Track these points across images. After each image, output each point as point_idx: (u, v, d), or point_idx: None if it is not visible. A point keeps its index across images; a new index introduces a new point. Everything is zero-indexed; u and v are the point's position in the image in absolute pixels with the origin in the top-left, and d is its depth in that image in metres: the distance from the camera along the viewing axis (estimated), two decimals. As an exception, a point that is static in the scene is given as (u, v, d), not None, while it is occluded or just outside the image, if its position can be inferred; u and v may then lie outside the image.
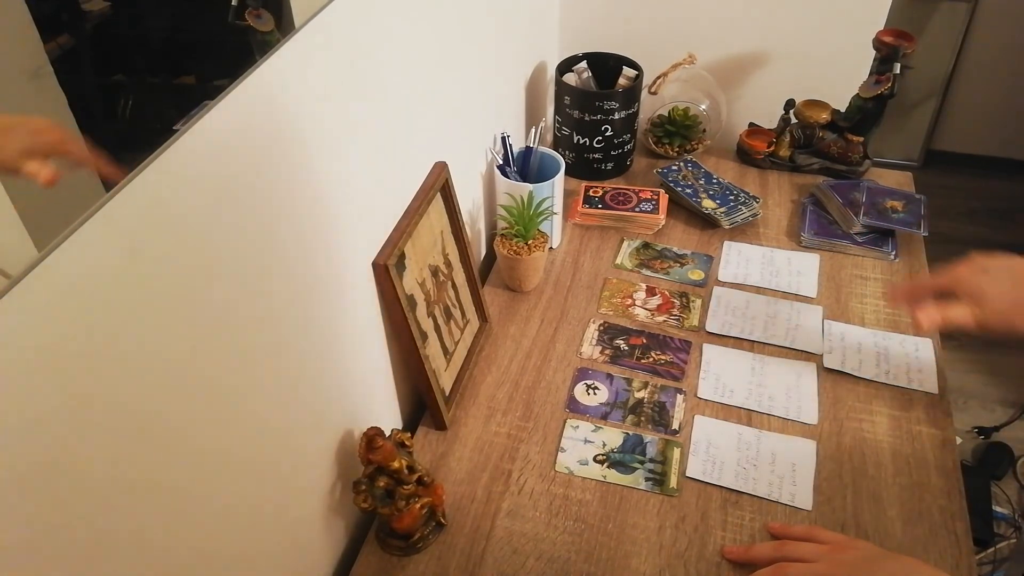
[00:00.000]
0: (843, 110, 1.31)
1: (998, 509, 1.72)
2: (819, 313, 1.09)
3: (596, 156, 1.32)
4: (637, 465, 0.91)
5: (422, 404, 0.97)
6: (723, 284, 1.15)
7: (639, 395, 0.99)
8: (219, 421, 0.58)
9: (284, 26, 0.59)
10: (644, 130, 1.41)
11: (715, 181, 1.29)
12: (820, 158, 1.34)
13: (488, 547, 0.83)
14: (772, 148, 1.35)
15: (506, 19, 1.14)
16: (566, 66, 1.31)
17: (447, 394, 0.96)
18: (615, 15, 1.39)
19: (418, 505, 0.80)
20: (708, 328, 1.07)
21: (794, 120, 1.33)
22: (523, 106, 1.31)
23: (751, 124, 1.41)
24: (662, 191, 1.27)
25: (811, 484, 0.88)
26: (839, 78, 1.32)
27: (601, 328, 1.08)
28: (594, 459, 0.91)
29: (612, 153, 1.32)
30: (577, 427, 0.95)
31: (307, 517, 0.76)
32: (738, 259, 1.19)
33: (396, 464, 0.78)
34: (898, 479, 0.88)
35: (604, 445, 0.93)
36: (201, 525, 0.57)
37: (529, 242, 1.09)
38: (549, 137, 1.43)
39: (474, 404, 0.98)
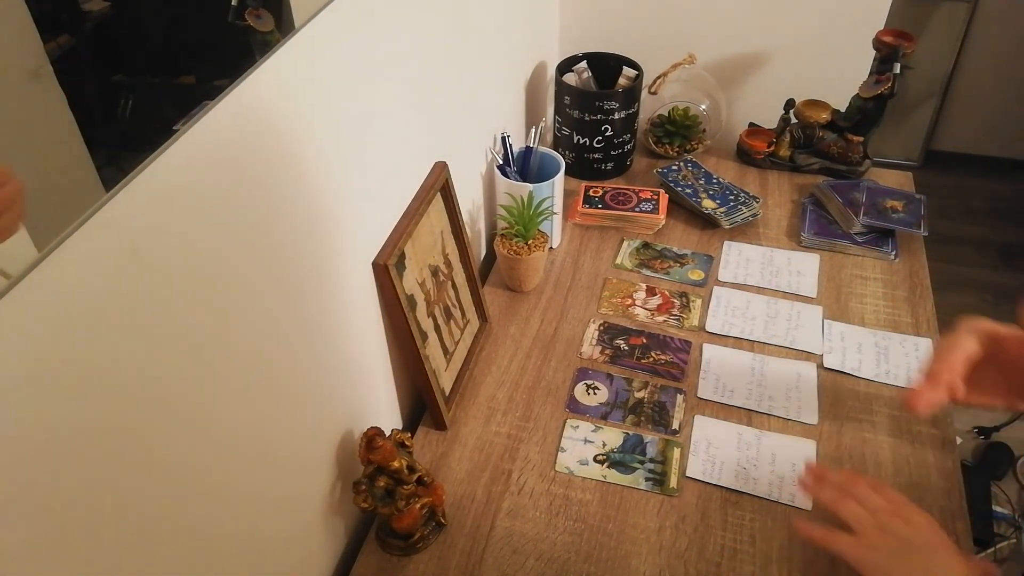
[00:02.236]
0: (843, 110, 1.31)
1: (998, 509, 1.72)
2: (819, 313, 1.09)
3: (596, 156, 1.32)
4: (637, 465, 0.91)
5: (422, 404, 0.97)
6: (723, 284, 1.15)
7: (639, 395, 0.99)
8: (218, 421, 0.58)
9: (284, 26, 0.59)
10: (644, 130, 1.41)
11: (715, 181, 1.29)
12: (820, 158, 1.34)
13: (488, 547, 0.83)
14: (772, 148, 1.35)
15: (506, 19, 1.14)
16: (566, 66, 1.31)
17: (447, 394, 0.96)
18: (615, 15, 1.39)
19: (418, 505, 0.80)
20: (708, 328, 1.07)
21: (794, 120, 1.33)
22: (523, 106, 1.31)
23: (751, 124, 1.41)
24: (662, 191, 1.27)
25: (811, 484, 0.88)
26: (839, 78, 1.32)
27: (601, 328, 1.08)
28: (594, 459, 0.91)
29: (612, 153, 1.32)
30: (577, 427, 0.95)
31: (307, 517, 0.76)
32: (738, 259, 1.19)
33: (396, 464, 0.78)
34: (898, 479, 0.88)
35: (604, 445, 0.93)
36: (201, 525, 0.57)
37: (529, 242, 1.09)
38: (549, 137, 1.43)
39: (474, 404, 0.98)
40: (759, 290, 1.13)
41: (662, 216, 1.23)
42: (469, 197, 1.10)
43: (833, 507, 0.75)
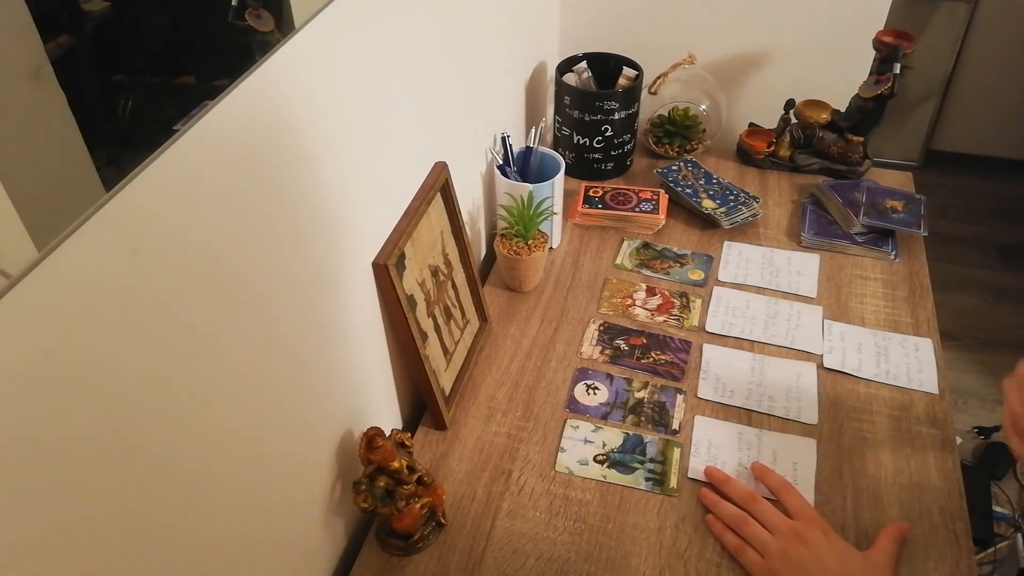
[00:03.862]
0: (843, 110, 1.31)
1: (998, 509, 1.72)
2: (819, 313, 1.09)
3: (596, 156, 1.32)
4: (637, 465, 0.91)
5: (422, 404, 0.97)
6: (723, 284, 1.15)
7: (639, 395, 0.99)
8: (218, 421, 0.58)
9: (284, 26, 0.59)
10: (644, 130, 1.41)
11: (715, 181, 1.29)
12: (820, 158, 1.34)
13: (488, 547, 0.83)
14: (772, 148, 1.35)
15: (506, 19, 1.14)
16: (566, 66, 1.31)
17: (447, 394, 0.96)
18: (615, 15, 1.39)
19: (418, 505, 0.80)
20: (708, 328, 1.07)
21: (794, 120, 1.33)
22: (523, 106, 1.31)
23: (751, 124, 1.41)
24: (662, 191, 1.27)
25: (811, 484, 0.88)
26: (839, 78, 1.32)
27: (601, 328, 1.08)
28: (594, 459, 0.91)
29: (612, 153, 1.32)
30: (577, 427, 0.95)
31: (307, 517, 0.76)
32: (738, 259, 1.19)
33: (396, 464, 0.78)
34: (898, 479, 0.88)
35: (604, 445, 0.93)
36: (200, 525, 0.57)
37: (529, 242, 1.09)
38: (549, 137, 1.43)
39: (474, 404, 0.98)
40: (759, 290, 1.13)
41: (662, 216, 1.23)
42: (469, 197, 1.10)
43: (736, 527, 0.80)
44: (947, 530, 0.83)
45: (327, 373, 0.75)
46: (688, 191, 1.27)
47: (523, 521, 0.85)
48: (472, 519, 0.85)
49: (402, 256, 0.85)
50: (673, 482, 0.89)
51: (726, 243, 1.22)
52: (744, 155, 1.39)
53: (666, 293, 1.13)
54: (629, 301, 1.12)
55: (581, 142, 1.30)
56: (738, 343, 1.05)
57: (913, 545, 0.82)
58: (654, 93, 1.37)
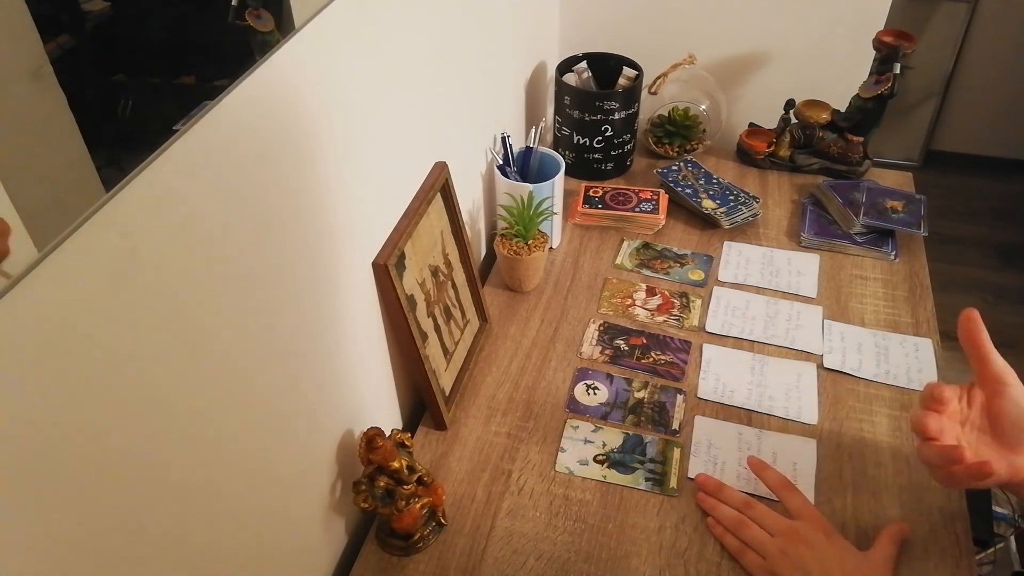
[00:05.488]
0: (843, 110, 1.31)
1: (998, 509, 1.72)
2: (819, 313, 1.09)
3: (596, 156, 1.32)
4: (637, 465, 0.91)
5: (422, 404, 0.97)
6: (723, 284, 1.15)
7: (639, 395, 0.99)
8: (219, 421, 0.58)
9: (284, 26, 0.59)
10: (644, 130, 1.41)
11: (715, 181, 1.29)
12: (820, 158, 1.34)
13: (488, 547, 0.83)
14: (772, 148, 1.35)
15: (506, 19, 1.14)
16: (566, 66, 1.31)
17: (447, 394, 0.96)
18: (615, 15, 1.39)
19: (418, 505, 0.80)
20: (708, 328, 1.07)
21: (794, 120, 1.33)
22: (523, 106, 1.31)
23: (751, 124, 1.41)
24: (662, 191, 1.27)
25: (811, 484, 0.88)
26: (839, 78, 1.32)
27: (601, 328, 1.08)
28: (594, 459, 0.91)
29: (612, 153, 1.32)
30: (577, 427, 0.95)
31: (307, 517, 0.76)
32: (738, 259, 1.19)
33: (396, 464, 0.78)
34: (898, 479, 0.88)
35: (604, 445, 0.93)
36: (200, 525, 0.57)
37: (529, 242, 1.09)
38: (549, 137, 1.43)
39: (474, 404, 0.98)
40: (759, 290, 1.13)
41: (662, 216, 1.23)
42: (469, 197, 1.10)
43: (734, 530, 0.80)
44: (947, 530, 0.83)
45: (327, 373, 0.75)
46: (688, 191, 1.27)
47: (523, 521, 0.85)
48: (472, 519, 0.85)
49: (402, 256, 0.85)
50: (673, 482, 0.89)
51: (726, 243, 1.22)
52: (744, 155, 1.39)
53: (666, 293, 1.13)
54: (629, 301, 1.12)
55: (581, 142, 1.30)
56: (738, 343, 1.05)
57: (913, 545, 0.82)
58: (654, 93, 1.37)
